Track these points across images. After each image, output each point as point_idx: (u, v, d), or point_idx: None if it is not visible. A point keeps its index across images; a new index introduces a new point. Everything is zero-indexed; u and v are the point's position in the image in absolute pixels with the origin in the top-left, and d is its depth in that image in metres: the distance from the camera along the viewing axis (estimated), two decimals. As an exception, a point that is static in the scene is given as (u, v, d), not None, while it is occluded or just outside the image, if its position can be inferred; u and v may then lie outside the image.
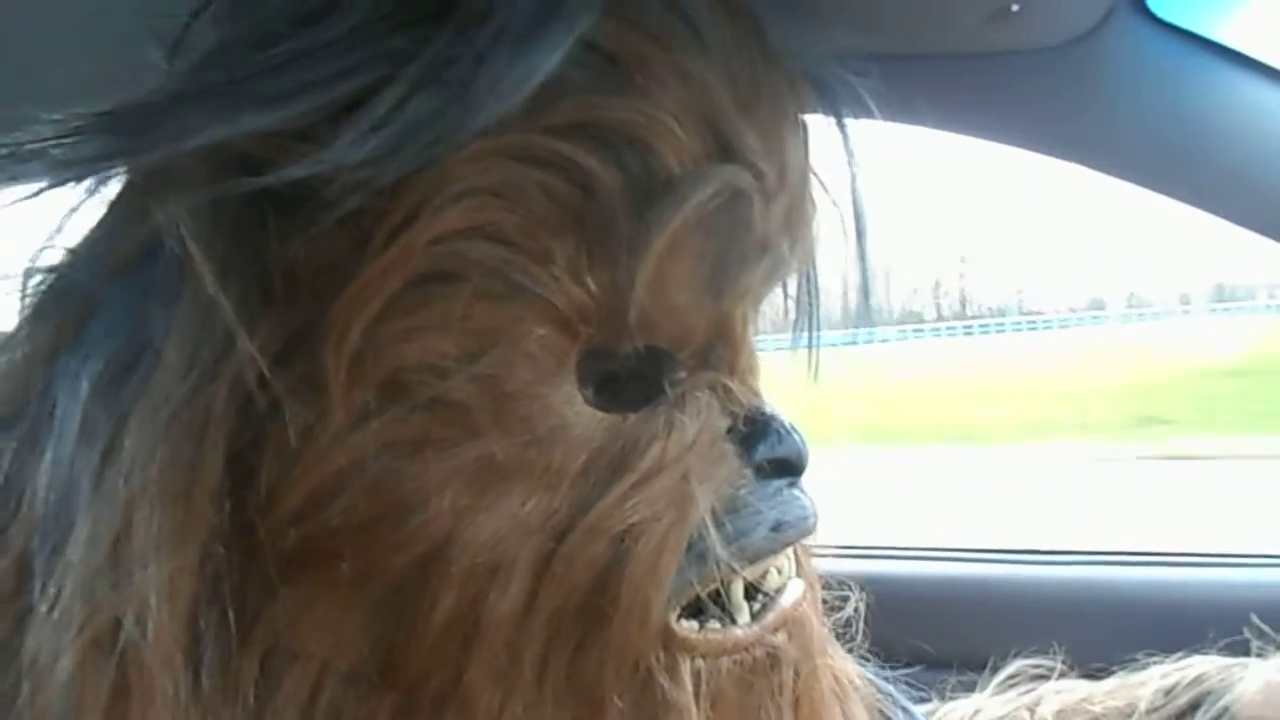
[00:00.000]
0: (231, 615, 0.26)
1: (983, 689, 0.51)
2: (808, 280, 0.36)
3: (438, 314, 0.27)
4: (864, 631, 0.40)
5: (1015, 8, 0.50)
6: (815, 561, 0.35)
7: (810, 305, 0.36)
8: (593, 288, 0.28)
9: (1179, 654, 0.49)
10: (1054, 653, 0.51)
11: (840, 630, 0.39)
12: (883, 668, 0.44)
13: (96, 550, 0.24)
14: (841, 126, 0.34)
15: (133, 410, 0.25)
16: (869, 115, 0.35)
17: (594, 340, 0.29)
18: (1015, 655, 0.51)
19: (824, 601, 0.36)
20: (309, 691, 0.27)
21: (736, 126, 0.30)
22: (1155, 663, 0.49)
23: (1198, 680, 0.46)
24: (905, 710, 0.44)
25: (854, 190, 0.34)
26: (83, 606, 0.24)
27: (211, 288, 0.25)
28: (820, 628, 0.34)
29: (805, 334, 0.36)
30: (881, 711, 0.42)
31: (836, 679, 0.35)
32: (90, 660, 0.24)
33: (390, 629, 0.27)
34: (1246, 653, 0.50)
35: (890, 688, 0.44)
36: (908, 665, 0.46)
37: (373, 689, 0.27)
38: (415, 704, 0.27)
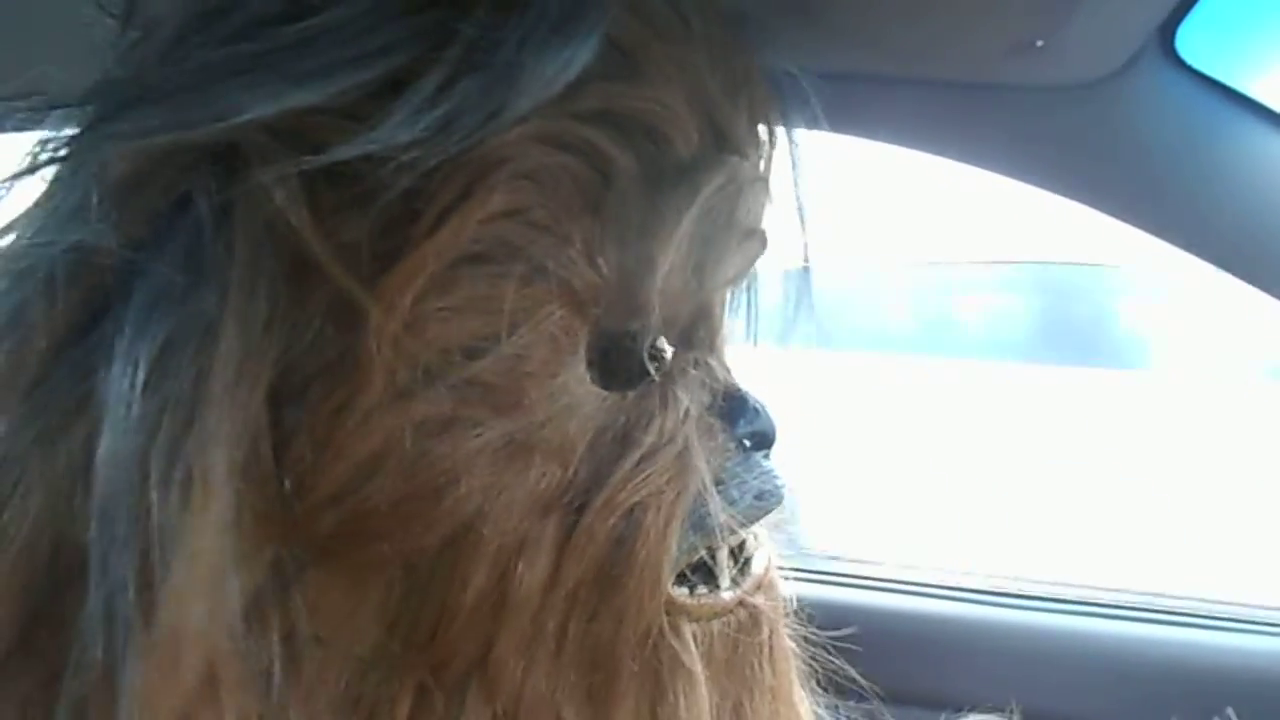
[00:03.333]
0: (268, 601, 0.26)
1: None
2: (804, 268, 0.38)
3: (472, 295, 0.27)
4: (816, 662, 0.40)
5: (1040, 43, 0.49)
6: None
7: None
8: (604, 270, 0.29)
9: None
10: (1010, 707, 0.50)
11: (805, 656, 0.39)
12: (833, 702, 0.44)
13: (179, 544, 0.23)
14: (789, 132, 0.36)
15: (198, 391, 0.24)
16: (816, 126, 0.37)
17: (601, 321, 0.29)
18: (967, 697, 0.50)
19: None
20: (333, 674, 0.27)
21: (728, 114, 0.31)
22: None
23: None
24: None
25: (798, 196, 0.36)
26: (158, 599, 0.23)
27: (327, 263, 0.25)
28: (784, 591, 0.36)
29: (747, 299, 0.39)
30: None
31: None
32: (167, 659, 0.23)
33: (416, 609, 0.27)
34: None
35: None
36: (859, 699, 0.46)
37: (395, 671, 0.28)
38: (440, 682, 0.28)
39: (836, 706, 0.43)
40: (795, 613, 0.38)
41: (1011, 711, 0.50)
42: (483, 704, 0.28)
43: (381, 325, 0.26)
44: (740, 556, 0.33)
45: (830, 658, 0.41)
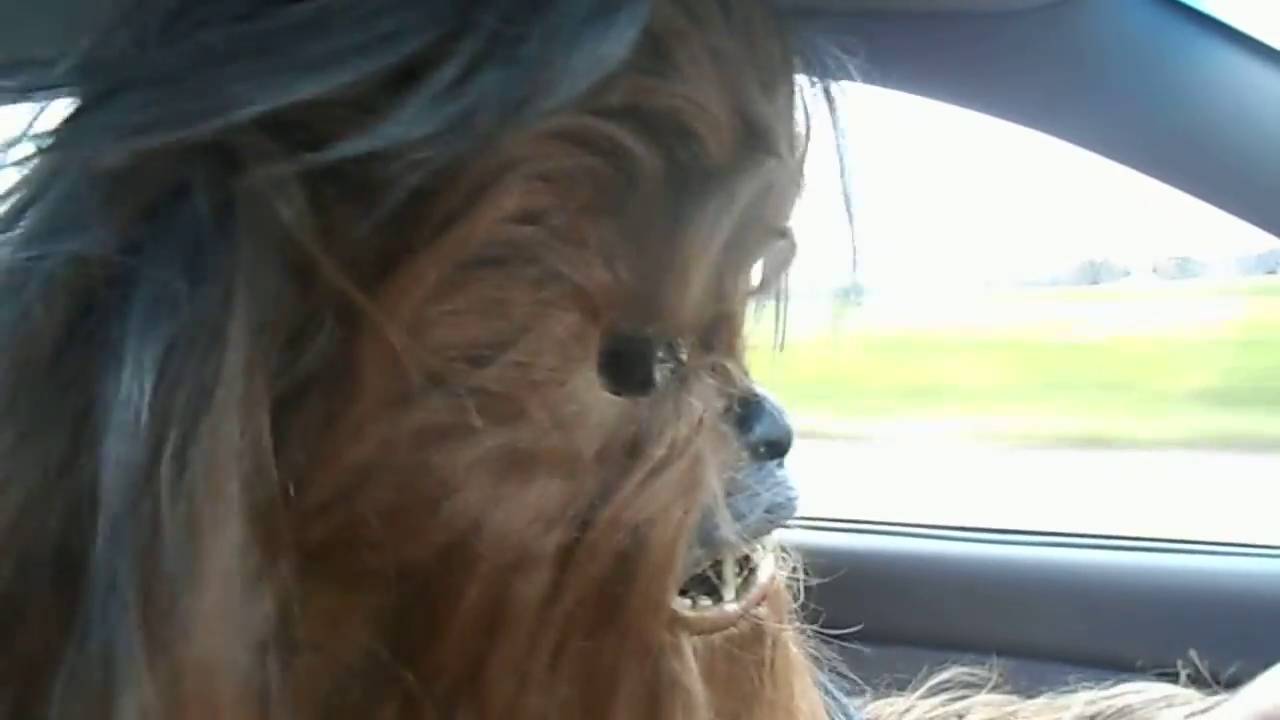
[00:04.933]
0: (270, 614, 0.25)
1: (914, 691, 0.52)
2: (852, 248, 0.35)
3: (478, 299, 0.25)
4: (813, 605, 0.40)
5: (997, -34, 0.48)
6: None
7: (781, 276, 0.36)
8: (622, 274, 0.27)
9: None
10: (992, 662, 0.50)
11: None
12: (827, 642, 0.44)
13: (188, 556, 0.22)
14: (831, 101, 0.33)
15: (205, 399, 0.23)
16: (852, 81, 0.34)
17: (618, 326, 0.28)
18: (953, 634, 0.51)
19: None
20: (319, 683, 0.26)
21: (764, 110, 0.29)
22: (1085, 687, 0.49)
23: (1121, 712, 0.47)
24: (837, 701, 0.45)
25: (842, 163, 0.33)
26: (170, 622, 0.22)
27: (325, 265, 0.24)
28: (788, 599, 0.35)
29: (775, 302, 0.36)
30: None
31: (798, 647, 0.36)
32: (172, 683, 0.22)
33: (407, 620, 0.26)
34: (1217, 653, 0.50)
35: (822, 678, 0.44)
36: (859, 641, 0.46)
37: (382, 681, 0.27)
38: (428, 695, 0.27)
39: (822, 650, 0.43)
40: (784, 558, 0.38)
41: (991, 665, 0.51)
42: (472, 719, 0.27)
43: (382, 329, 0.24)
44: (745, 567, 0.32)
45: (818, 604, 0.41)
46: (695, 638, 0.30)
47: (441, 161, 0.24)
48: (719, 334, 0.32)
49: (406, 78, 0.24)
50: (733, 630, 0.31)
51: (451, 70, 0.24)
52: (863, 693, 0.48)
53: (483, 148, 0.24)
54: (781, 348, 0.36)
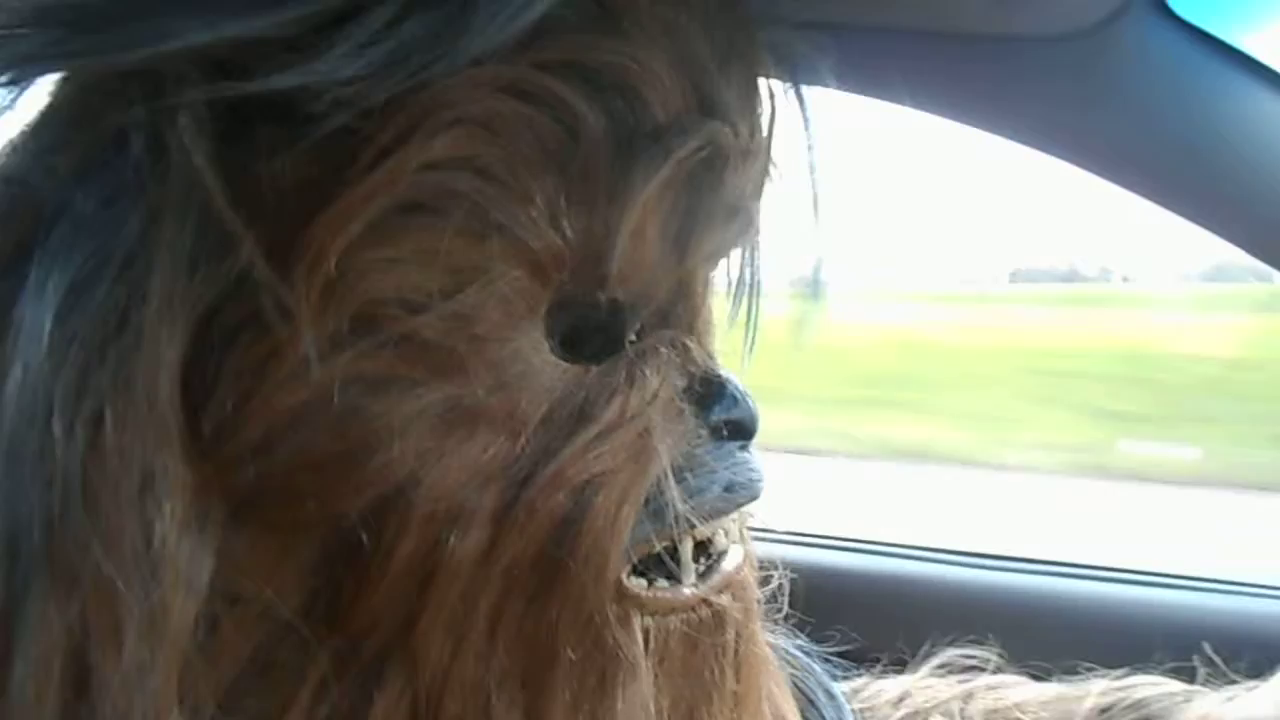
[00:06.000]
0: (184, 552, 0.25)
1: (912, 673, 0.51)
2: (752, 247, 0.36)
3: (416, 246, 0.26)
4: (794, 617, 0.40)
5: (1026, -9, 0.47)
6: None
7: (753, 272, 0.36)
8: (569, 233, 0.27)
9: (1122, 670, 0.49)
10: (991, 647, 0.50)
11: (773, 612, 0.39)
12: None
13: (84, 485, 0.23)
14: (799, 95, 0.34)
15: (105, 329, 0.23)
16: (826, 86, 0.34)
17: (565, 288, 0.28)
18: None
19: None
20: (245, 636, 0.26)
21: (716, 82, 0.29)
22: (1097, 676, 0.48)
23: (1138, 704, 0.45)
24: (825, 689, 0.44)
25: (811, 159, 0.34)
26: (61, 540, 0.23)
27: (218, 200, 0.24)
28: (757, 594, 0.35)
29: (746, 301, 0.36)
30: (800, 686, 0.42)
31: (769, 646, 0.36)
32: (65, 600, 0.23)
33: (339, 574, 0.27)
34: (1193, 678, 0.49)
35: (812, 663, 0.44)
36: (839, 654, 0.46)
37: (313, 636, 0.27)
38: (357, 653, 0.27)
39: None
40: (769, 574, 0.38)
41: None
42: (402, 681, 0.27)
43: (310, 270, 0.25)
44: (709, 552, 0.32)
45: (804, 619, 0.41)
46: (649, 618, 0.30)
47: (373, 102, 0.24)
48: (678, 310, 0.32)
49: (341, 20, 0.24)
50: (692, 615, 0.31)
51: (383, 13, 0.24)
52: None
53: (416, 91, 0.25)
54: (752, 347, 0.37)
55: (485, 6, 0.24)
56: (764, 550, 0.36)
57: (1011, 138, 0.56)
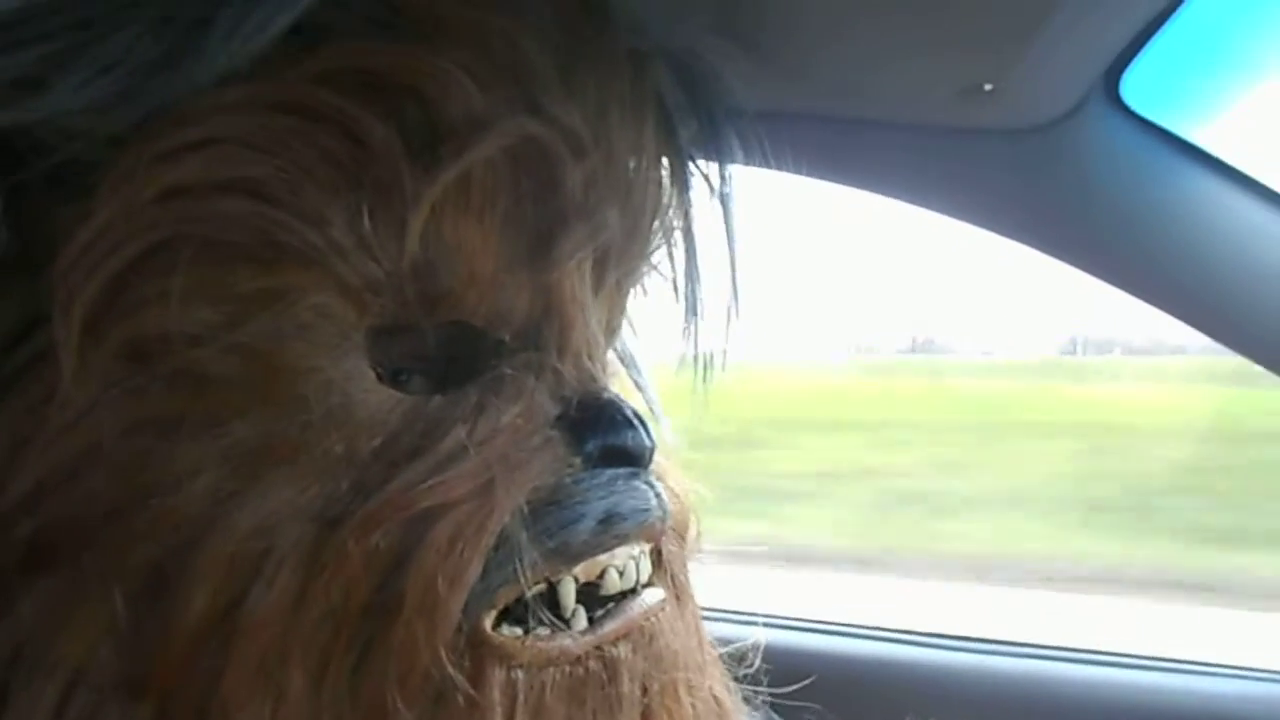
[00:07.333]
0: None
1: None
2: (691, 281, 0.35)
3: (192, 276, 0.24)
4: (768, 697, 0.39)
5: (989, 86, 0.49)
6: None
7: (694, 308, 0.35)
8: (379, 255, 0.26)
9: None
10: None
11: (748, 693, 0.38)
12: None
13: None
14: (724, 180, 0.35)
15: None
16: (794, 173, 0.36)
17: (387, 313, 0.26)
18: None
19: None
20: (57, 702, 0.24)
21: (548, 87, 0.28)
22: None
23: None
24: None
25: (725, 206, 0.34)
26: None
27: None
28: (688, 643, 0.31)
29: (691, 339, 0.36)
30: None
31: (718, 702, 0.32)
32: None
33: (143, 630, 0.24)
34: None
35: None
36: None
37: (129, 698, 0.24)
38: (172, 715, 0.25)
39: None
40: (754, 660, 0.36)
41: None
42: None
43: (64, 312, 0.24)
44: (601, 594, 0.28)
45: (792, 704, 0.40)
46: (517, 671, 0.26)
47: (113, 131, 0.24)
48: (545, 330, 0.30)
49: (77, 53, 0.24)
50: (576, 668, 0.27)
51: (120, 42, 0.24)
52: None
53: (162, 115, 0.24)
54: (704, 382, 0.36)
55: (220, 26, 0.24)
56: (740, 631, 0.36)
57: (975, 224, 0.58)
